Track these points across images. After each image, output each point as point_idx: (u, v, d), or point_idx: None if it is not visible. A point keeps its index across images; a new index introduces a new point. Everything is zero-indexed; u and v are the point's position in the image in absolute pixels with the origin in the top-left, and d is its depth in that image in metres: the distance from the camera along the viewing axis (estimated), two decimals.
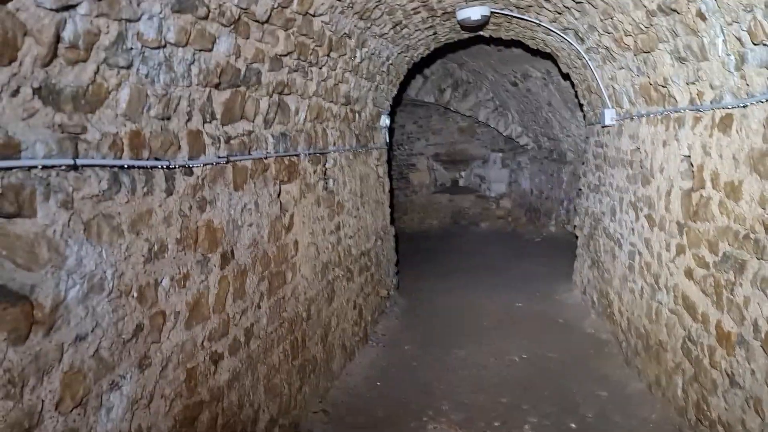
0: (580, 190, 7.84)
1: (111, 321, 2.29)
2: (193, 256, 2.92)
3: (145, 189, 2.51)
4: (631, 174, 5.21)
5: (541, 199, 12.40)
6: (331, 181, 5.16)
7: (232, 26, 3.00)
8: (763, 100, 2.74)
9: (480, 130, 13.10)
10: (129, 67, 2.34)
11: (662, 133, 4.30)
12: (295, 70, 3.98)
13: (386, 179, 7.48)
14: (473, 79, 11.52)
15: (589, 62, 5.63)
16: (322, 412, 4.59)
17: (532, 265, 9.52)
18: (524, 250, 10.86)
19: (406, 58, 6.91)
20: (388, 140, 7.58)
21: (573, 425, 4.38)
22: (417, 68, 9.12)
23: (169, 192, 2.70)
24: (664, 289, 4.30)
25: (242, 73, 3.27)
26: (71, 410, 2.07)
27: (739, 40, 2.82)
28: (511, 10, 5.75)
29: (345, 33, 4.63)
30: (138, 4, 2.27)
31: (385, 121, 7.25)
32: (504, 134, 12.36)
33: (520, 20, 5.99)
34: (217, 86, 3.05)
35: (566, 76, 7.44)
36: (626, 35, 4.28)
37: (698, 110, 3.58)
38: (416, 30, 6.03)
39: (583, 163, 7.88)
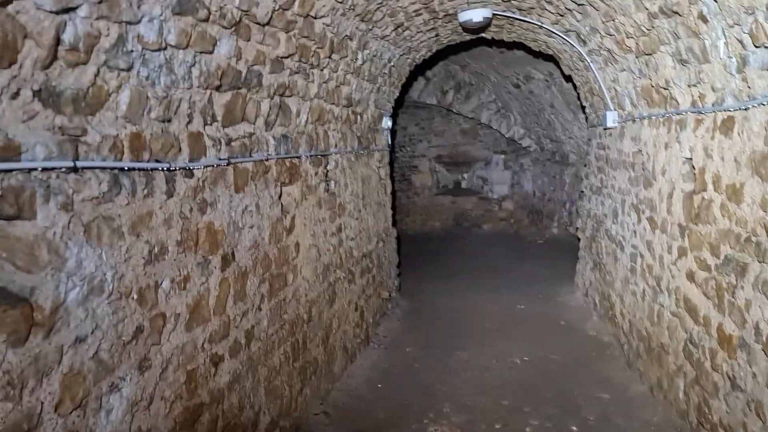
0: (582, 192, 7.83)
1: (111, 323, 2.29)
2: (193, 258, 2.92)
3: (145, 191, 2.51)
4: (633, 176, 5.20)
5: (544, 201, 12.39)
6: (332, 183, 5.16)
7: (233, 28, 3.00)
8: (765, 103, 2.73)
9: (482, 131, 13.09)
10: (129, 69, 2.34)
11: (664, 136, 4.29)
12: (296, 72, 3.99)
13: (388, 181, 7.48)
14: (475, 80, 11.52)
15: (591, 64, 5.63)
16: (323, 414, 4.59)
17: (534, 267, 9.51)
18: (526, 252, 10.85)
19: (408, 60, 6.91)
20: (390, 142, 7.58)
21: (574, 428, 4.37)
22: (419, 70, 9.11)
23: (170, 194, 2.70)
24: (666, 291, 4.29)
25: (243, 75, 3.28)
26: (71, 412, 2.07)
27: (740, 42, 2.82)
28: (513, 12, 5.75)
29: (346, 35, 4.63)
30: (138, 7, 2.28)
31: (387, 122, 7.25)
32: (506, 136, 12.35)
33: (522, 22, 5.99)
34: (218, 88, 3.05)
35: (568, 78, 7.44)
36: (628, 37, 4.28)
37: (700, 113, 3.57)
38: (418, 32, 6.03)
39: (585, 165, 7.87)
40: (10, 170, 1.82)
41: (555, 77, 8.74)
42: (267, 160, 3.79)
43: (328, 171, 5.05)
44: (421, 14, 5.49)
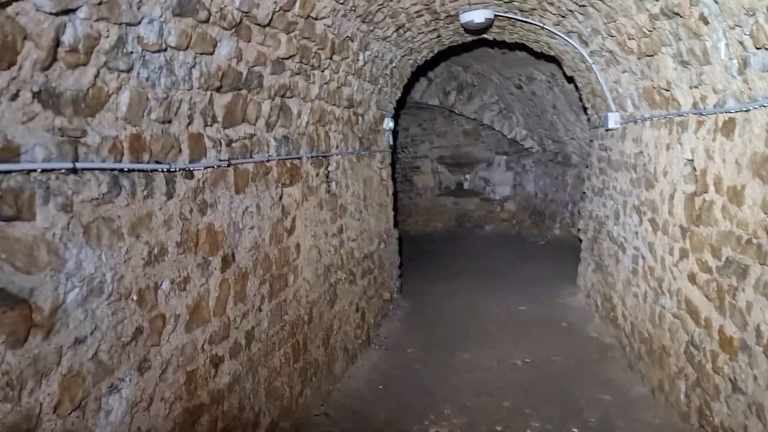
0: (584, 193, 7.82)
1: (110, 324, 2.30)
2: (193, 259, 2.92)
3: (145, 192, 2.51)
4: (634, 177, 5.20)
5: (546, 202, 12.38)
6: (333, 184, 5.16)
7: (233, 30, 3.00)
8: (766, 105, 2.73)
9: (485, 133, 13.08)
10: (129, 70, 2.35)
11: (666, 137, 4.29)
12: (297, 73, 3.99)
13: (390, 182, 7.47)
14: (478, 82, 11.51)
15: (592, 65, 5.62)
16: (323, 415, 4.59)
17: (536, 268, 9.50)
18: (528, 253, 10.83)
19: (410, 61, 6.91)
20: (391, 143, 7.58)
21: (575, 430, 4.36)
22: (421, 71, 9.11)
23: (170, 195, 2.71)
24: (668, 293, 4.28)
25: (244, 76, 3.28)
26: (70, 413, 2.08)
27: (741, 44, 2.81)
28: (515, 13, 5.75)
29: (347, 36, 4.63)
30: (138, 8, 2.28)
31: (388, 123, 7.25)
32: (509, 137, 12.34)
33: (523, 23, 5.99)
34: (218, 89, 3.06)
35: (570, 79, 7.43)
36: (629, 39, 4.27)
37: (701, 114, 3.56)
38: (419, 33, 6.03)
39: (587, 167, 7.87)
40: (10, 171, 1.82)
41: (557, 78, 8.73)
42: (268, 161, 3.79)
43: (329, 172, 5.05)
44: (422, 15, 5.49)
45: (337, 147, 5.23)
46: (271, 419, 3.83)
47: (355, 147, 5.86)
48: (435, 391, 5.08)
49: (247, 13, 3.05)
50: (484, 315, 7.17)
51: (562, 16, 5.25)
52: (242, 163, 3.43)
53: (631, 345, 5.27)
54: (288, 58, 3.76)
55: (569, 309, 7.35)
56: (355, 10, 4.38)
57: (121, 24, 2.22)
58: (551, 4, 5.06)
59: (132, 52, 2.34)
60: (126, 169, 2.37)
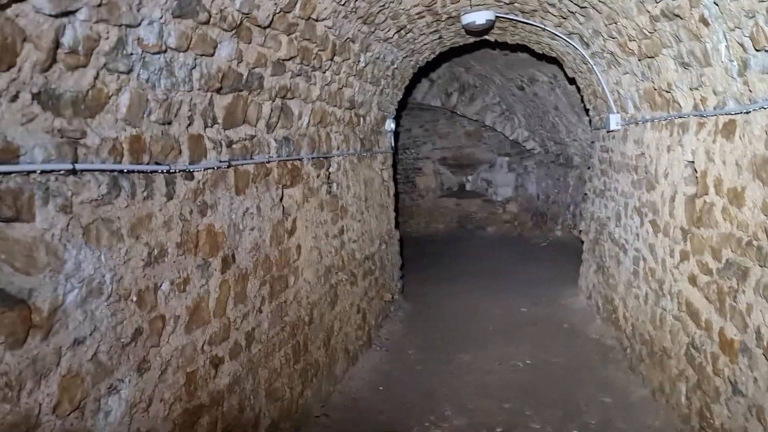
0: (586, 194, 7.82)
1: (110, 325, 2.30)
2: (193, 260, 2.93)
3: (145, 193, 2.52)
4: (636, 179, 5.19)
5: (548, 204, 12.37)
6: (334, 185, 5.17)
7: (233, 31, 3.01)
8: (766, 107, 2.72)
9: (487, 134, 13.08)
10: (129, 72, 2.35)
11: (666, 139, 4.28)
12: (298, 75, 3.99)
13: (391, 183, 7.48)
14: (480, 83, 11.51)
15: (594, 67, 5.62)
16: (324, 416, 4.59)
17: (538, 269, 9.49)
18: (530, 254, 10.82)
19: (412, 62, 6.91)
20: (393, 144, 7.58)
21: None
22: (423, 72, 9.12)
23: (170, 196, 2.71)
24: (668, 295, 4.27)
25: (244, 77, 3.28)
26: (69, 414, 2.08)
27: (741, 45, 2.81)
28: (516, 15, 5.75)
29: (349, 37, 4.63)
30: (138, 10, 2.28)
31: (390, 125, 7.26)
32: (510, 138, 12.33)
33: (525, 25, 5.99)
34: (218, 91, 3.06)
35: (572, 81, 7.42)
36: (630, 40, 4.27)
37: (702, 116, 3.56)
38: (421, 34, 6.03)
39: (588, 168, 7.86)
40: (9, 173, 1.83)
41: (559, 79, 8.73)
42: (268, 162, 3.79)
43: (330, 173, 5.05)
44: (423, 17, 5.50)
45: (338, 148, 5.24)
46: (271, 420, 3.83)
47: (357, 148, 5.87)
48: (435, 392, 5.07)
49: (247, 14, 3.06)
50: (486, 316, 7.17)
51: (564, 18, 5.24)
52: (243, 164, 3.44)
53: (632, 347, 5.26)
54: (289, 60, 3.77)
55: (571, 310, 7.33)
56: (356, 12, 4.38)
57: (121, 26, 2.22)
58: (552, 5, 5.06)
59: (132, 54, 2.34)
60: (126, 171, 2.38)
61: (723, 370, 3.35)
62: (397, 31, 5.50)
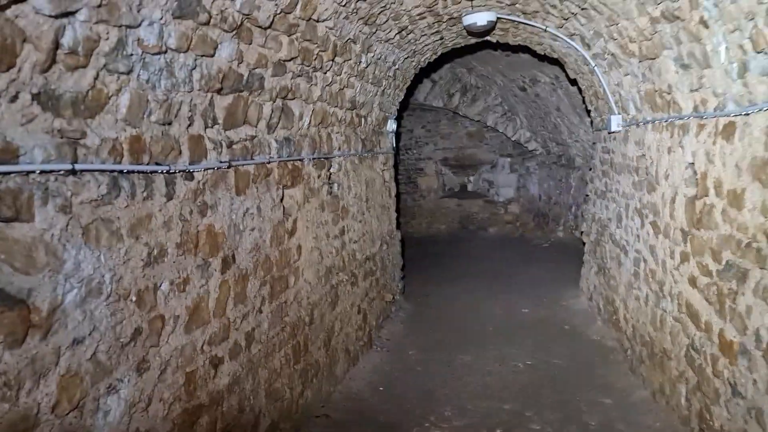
0: (587, 195, 7.81)
1: (109, 325, 2.31)
2: (193, 260, 2.93)
3: (144, 193, 2.53)
4: (636, 180, 5.19)
5: (550, 205, 12.36)
6: (335, 186, 5.17)
7: (234, 32, 3.01)
8: (765, 109, 2.72)
9: (489, 134, 13.07)
10: (129, 72, 2.36)
11: (667, 140, 4.28)
12: (299, 75, 4.00)
13: (392, 184, 7.48)
14: (482, 83, 11.51)
15: (595, 68, 5.62)
16: (324, 417, 4.60)
17: (539, 270, 9.48)
18: (532, 255, 10.81)
19: (413, 63, 6.91)
20: (394, 144, 7.58)
21: None
22: (425, 72, 9.12)
23: (170, 196, 2.72)
24: (669, 296, 4.27)
25: (245, 78, 3.29)
26: (67, 413, 2.09)
27: (741, 47, 2.81)
28: (518, 16, 5.75)
29: (350, 38, 4.64)
30: (138, 11, 2.29)
31: (391, 125, 7.26)
32: (512, 139, 12.33)
33: (526, 26, 5.99)
34: (219, 91, 3.07)
35: (574, 82, 7.42)
36: (631, 42, 4.27)
37: (702, 118, 3.56)
38: (422, 35, 6.03)
39: (590, 169, 7.86)
40: (9, 173, 1.83)
41: (561, 80, 8.72)
42: (269, 162, 3.80)
43: (331, 174, 5.06)
44: (425, 18, 5.50)
45: (339, 149, 5.24)
46: (271, 420, 3.83)
47: (358, 149, 5.87)
48: (436, 393, 5.08)
49: (248, 15, 3.07)
50: (487, 317, 7.17)
51: (565, 19, 5.25)
52: (243, 165, 3.44)
53: (633, 348, 5.26)
54: (289, 60, 3.78)
55: (572, 312, 7.33)
56: (357, 13, 4.39)
57: (120, 26, 2.23)
58: (554, 6, 5.06)
59: (132, 55, 2.35)
60: (125, 171, 2.38)
61: (722, 372, 3.35)
62: (399, 32, 5.50)
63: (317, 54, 4.16)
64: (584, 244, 7.77)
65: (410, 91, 8.89)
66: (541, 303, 7.69)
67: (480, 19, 5.57)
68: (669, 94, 4.02)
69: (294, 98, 4.05)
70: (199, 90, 2.87)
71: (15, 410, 1.86)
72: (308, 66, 4.09)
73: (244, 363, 3.49)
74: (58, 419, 2.04)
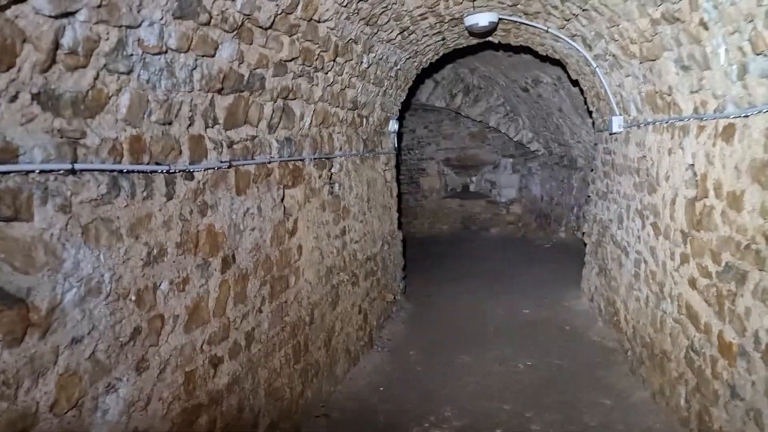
0: (589, 197, 7.81)
1: (108, 324, 2.32)
2: (193, 260, 2.94)
3: (144, 193, 2.54)
4: (637, 182, 5.19)
5: (552, 205, 12.36)
6: (336, 186, 5.18)
7: (235, 32, 3.02)
8: (765, 110, 2.72)
9: (491, 135, 13.07)
10: (129, 72, 2.37)
11: (668, 142, 4.28)
12: (300, 76, 4.00)
13: (394, 184, 7.48)
14: (484, 84, 11.51)
15: (596, 69, 5.62)
16: (323, 417, 4.60)
17: (541, 271, 9.48)
18: (534, 256, 10.81)
19: (415, 63, 6.92)
20: (396, 145, 7.59)
21: None
22: (427, 73, 9.12)
23: (170, 196, 2.73)
24: (669, 298, 4.27)
25: (245, 78, 3.30)
26: (66, 412, 2.10)
27: (740, 49, 2.81)
28: (519, 17, 5.75)
29: (351, 38, 4.64)
30: (138, 11, 2.30)
31: (393, 125, 7.26)
32: (515, 140, 12.33)
33: (528, 27, 5.99)
34: (219, 91, 3.08)
35: (575, 83, 7.42)
36: (632, 43, 4.27)
37: (702, 119, 3.56)
38: (424, 35, 6.04)
39: (592, 170, 7.85)
40: (8, 172, 1.85)
41: (563, 81, 8.72)
42: (269, 162, 3.81)
43: (332, 174, 5.06)
44: (426, 18, 5.50)
45: (340, 149, 5.25)
46: (270, 420, 3.84)
47: (359, 149, 5.88)
48: (436, 393, 5.08)
49: (248, 15, 3.07)
50: (488, 318, 7.17)
51: (566, 20, 5.25)
52: (243, 165, 3.45)
53: (633, 349, 5.26)
54: (290, 61, 3.78)
55: (573, 312, 7.33)
56: (358, 13, 4.39)
57: (121, 27, 2.24)
58: (555, 7, 5.06)
59: (132, 55, 2.36)
60: (125, 171, 2.39)
61: (722, 374, 3.35)
62: (400, 33, 5.51)
63: (318, 54, 4.17)
64: (586, 245, 7.77)
65: (412, 91, 8.89)
66: (543, 303, 7.69)
67: (481, 19, 5.58)
68: (669, 95, 4.02)
69: (295, 98, 4.06)
70: (199, 90, 2.88)
71: (13, 409, 1.88)
72: (309, 66, 4.09)
73: (243, 362, 3.50)
74: (56, 418, 2.05)
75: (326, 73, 4.49)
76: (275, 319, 3.92)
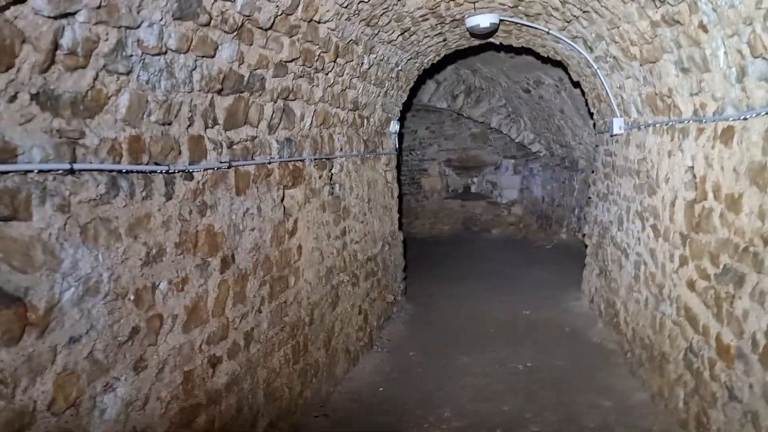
0: (590, 198, 7.81)
1: (106, 323, 2.33)
2: (192, 260, 2.95)
3: (143, 193, 2.55)
4: (638, 183, 5.19)
5: (553, 207, 12.36)
6: (337, 186, 5.18)
7: (234, 33, 3.03)
8: (763, 113, 2.73)
9: (492, 136, 13.07)
10: (129, 73, 2.38)
11: (668, 144, 4.28)
12: (300, 76, 4.01)
13: (395, 184, 7.49)
14: (486, 85, 11.51)
15: (597, 71, 5.62)
16: (322, 417, 4.61)
17: (542, 272, 9.47)
18: (535, 257, 10.81)
19: (416, 64, 6.92)
20: (397, 145, 7.59)
21: None
22: (429, 74, 9.12)
23: (169, 196, 2.73)
24: (668, 299, 4.27)
25: (245, 79, 3.30)
26: (64, 411, 2.11)
27: (739, 52, 2.81)
28: (521, 18, 5.76)
29: (352, 39, 4.65)
30: (138, 12, 2.31)
31: (394, 126, 7.26)
32: (516, 141, 12.34)
33: (529, 28, 5.99)
34: (219, 92, 3.08)
35: (577, 84, 7.42)
36: (632, 45, 4.28)
37: (701, 121, 3.56)
38: (425, 36, 6.04)
39: (593, 172, 7.85)
40: (6, 172, 1.85)
41: (564, 83, 8.72)
42: (269, 163, 3.81)
43: (332, 174, 5.07)
44: (427, 19, 5.51)
45: (341, 149, 5.26)
46: (269, 420, 3.85)
47: (360, 149, 5.88)
48: (436, 394, 5.08)
49: (248, 16, 3.08)
50: (488, 318, 7.17)
51: (567, 22, 5.25)
52: (243, 165, 3.46)
53: (633, 351, 5.26)
54: (291, 61, 3.79)
55: (573, 314, 7.33)
56: (359, 14, 4.40)
57: (120, 27, 2.25)
58: (556, 9, 5.07)
59: (132, 55, 2.37)
60: (124, 171, 2.40)
61: (720, 376, 3.35)
62: (401, 34, 5.51)
63: (319, 55, 4.18)
64: (586, 246, 7.77)
65: (414, 92, 8.89)
66: (543, 305, 7.68)
67: (483, 21, 5.58)
68: (669, 97, 4.02)
69: (295, 99, 4.06)
70: (199, 91, 2.89)
71: (11, 408, 1.89)
72: (310, 67, 4.10)
73: (242, 362, 3.51)
74: (54, 417, 2.06)
75: (327, 74, 4.50)
76: (274, 319, 3.93)
